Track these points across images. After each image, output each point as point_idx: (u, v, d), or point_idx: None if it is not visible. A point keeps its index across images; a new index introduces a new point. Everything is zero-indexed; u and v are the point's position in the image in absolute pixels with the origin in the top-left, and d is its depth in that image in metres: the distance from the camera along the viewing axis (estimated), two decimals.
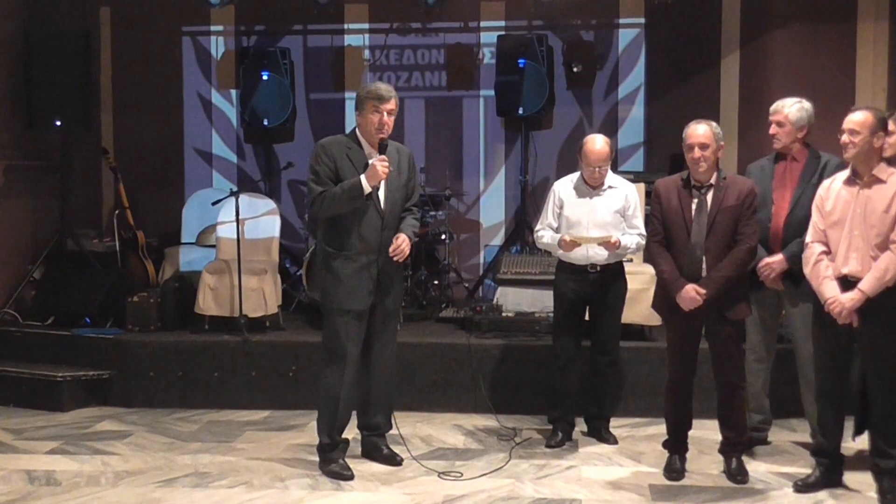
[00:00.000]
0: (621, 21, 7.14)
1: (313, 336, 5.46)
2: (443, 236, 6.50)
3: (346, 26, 7.30)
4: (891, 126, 3.95)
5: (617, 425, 4.89)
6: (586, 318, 4.71)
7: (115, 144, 7.24)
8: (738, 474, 4.14)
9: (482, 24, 7.25)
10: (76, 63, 6.45)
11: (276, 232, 6.15)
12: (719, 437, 4.24)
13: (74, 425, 5.12)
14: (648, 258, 4.37)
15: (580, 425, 4.86)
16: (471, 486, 4.10)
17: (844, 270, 3.80)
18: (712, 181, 4.04)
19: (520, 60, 6.70)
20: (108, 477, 4.25)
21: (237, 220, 5.67)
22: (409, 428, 4.53)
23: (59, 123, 6.44)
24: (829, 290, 3.80)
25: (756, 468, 4.28)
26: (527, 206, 6.95)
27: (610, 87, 7.17)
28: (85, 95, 6.56)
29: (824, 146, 4.36)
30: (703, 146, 3.98)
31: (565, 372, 4.66)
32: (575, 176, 4.67)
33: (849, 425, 4.12)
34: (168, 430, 5.02)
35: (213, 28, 7.40)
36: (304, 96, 7.35)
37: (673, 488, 4.09)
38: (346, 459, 4.29)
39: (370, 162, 4.05)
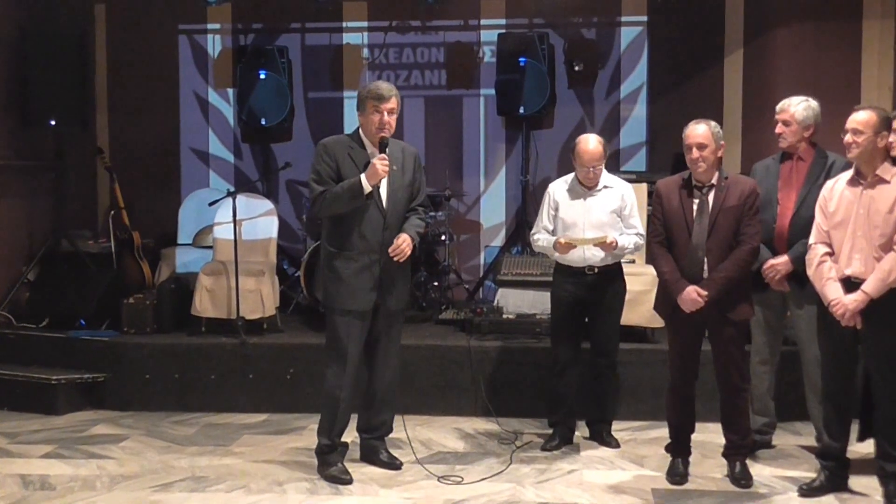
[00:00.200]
0: (623, 19, 7.12)
1: (311, 338, 5.46)
2: (443, 237, 6.49)
3: (344, 24, 7.28)
4: (895, 125, 3.90)
5: (619, 428, 4.86)
6: (585, 320, 4.66)
7: (111, 144, 7.22)
8: (742, 478, 4.11)
9: (482, 22, 7.22)
10: (71, 62, 6.44)
11: (274, 233, 6.13)
12: (723, 441, 4.22)
13: (69, 429, 5.10)
14: (650, 259, 4.33)
15: (582, 429, 4.83)
16: (471, 490, 4.08)
17: (848, 272, 3.78)
18: (713, 181, 4.02)
19: (521, 59, 6.66)
20: (104, 481, 4.22)
21: (234, 221, 5.64)
22: (409, 431, 4.50)
23: (53, 123, 6.42)
24: (833, 292, 3.78)
25: (760, 472, 4.26)
26: (528, 206, 6.91)
27: (612, 86, 7.15)
28: (80, 94, 6.55)
29: (829, 145, 4.33)
30: (702, 146, 3.96)
31: (564, 376, 4.64)
32: (570, 177, 4.65)
33: (854, 428, 4.08)
34: (164, 433, 5.00)
35: (209, 26, 7.38)
36: (302, 95, 7.32)
37: (676, 492, 4.06)
38: (345, 463, 4.26)
39: (371, 161, 4.04)
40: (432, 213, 6.47)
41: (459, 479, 4.18)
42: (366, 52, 7.31)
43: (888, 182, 3.74)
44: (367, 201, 4.06)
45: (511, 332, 5.41)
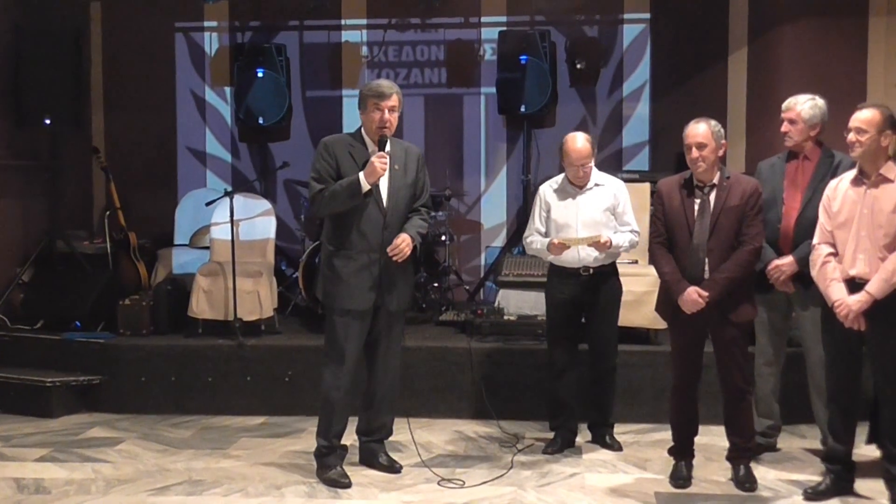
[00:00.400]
0: (626, 16, 7.09)
1: (310, 340, 5.44)
2: (443, 237, 6.46)
3: (343, 22, 7.25)
4: None
5: (621, 431, 4.83)
6: (581, 322, 4.62)
7: (107, 143, 7.20)
8: (746, 482, 4.08)
9: (483, 19, 7.19)
10: (66, 60, 6.42)
11: (272, 233, 6.11)
12: (726, 444, 4.19)
13: (64, 432, 5.07)
14: (651, 260, 4.29)
15: (584, 432, 4.79)
16: (472, 493, 4.05)
17: (852, 272, 3.75)
18: (715, 181, 4.00)
19: (522, 57, 6.62)
20: (99, 485, 4.19)
21: (231, 221, 5.62)
22: (409, 434, 4.46)
23: (48, 122, 6.39)
24: (836, 293, 3.76)
25: (765, 475, 4.23)
26: (529, 206, 6.83)
27: (614, 85, 7.11)
28: (75, 93, 6.53)
29: (834, 144, 4.29)
30: (701, 146, 3.93)
31: (563, 380, 4.61)
32: (560, 177, 4.61)
33: (862, 431, 4.06)
34: (161, 436, 4.97)
35: (206, 24, 7.35)
36: (301, 94, 7.29)
37: (679, 496, 4.04)
38: (345, 467, 4.23)
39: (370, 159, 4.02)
40: (432, 214, 6.42)
41: (461, 483, 4.15)
42: (365, 50, 7.28)
43: (892, 181, 3.71)
44: (367, 200, 4.03)
45: (512, 334, 5.37)
